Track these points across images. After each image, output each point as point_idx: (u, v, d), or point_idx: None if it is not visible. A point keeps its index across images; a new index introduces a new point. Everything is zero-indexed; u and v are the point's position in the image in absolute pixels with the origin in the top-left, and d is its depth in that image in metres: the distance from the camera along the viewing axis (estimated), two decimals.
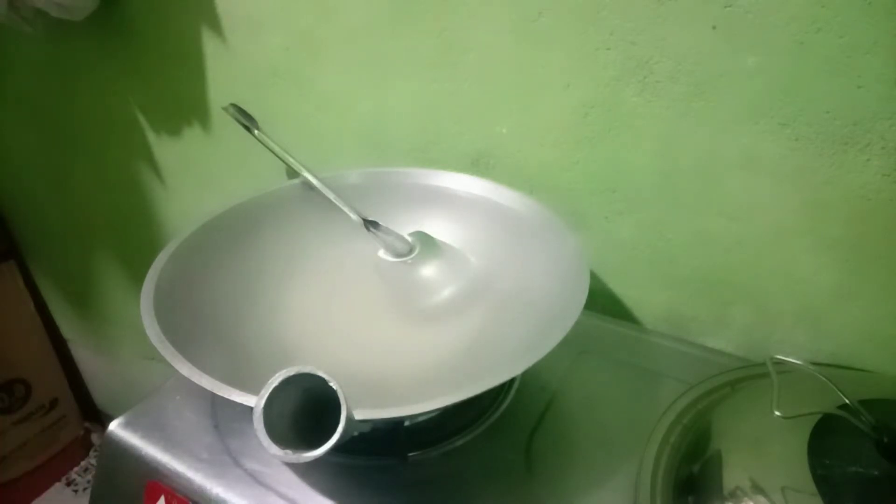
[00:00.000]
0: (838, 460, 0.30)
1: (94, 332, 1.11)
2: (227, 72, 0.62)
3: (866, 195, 0.39)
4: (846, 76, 0.37)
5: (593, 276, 0.38)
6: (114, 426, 0.41)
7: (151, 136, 0.74)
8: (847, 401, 0.31)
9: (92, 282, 1.01)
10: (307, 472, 0.37)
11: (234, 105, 0.52)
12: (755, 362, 0.44)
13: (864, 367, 0.43)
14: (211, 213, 0.47)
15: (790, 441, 0.31)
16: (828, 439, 0.30)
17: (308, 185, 0.49)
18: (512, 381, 0.44)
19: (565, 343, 0.32)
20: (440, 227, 0.50)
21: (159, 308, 0.37)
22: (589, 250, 0.50)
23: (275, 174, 0.56)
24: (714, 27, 0.39)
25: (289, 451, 0.25)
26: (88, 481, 1.21)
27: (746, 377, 0.41)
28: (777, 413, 0.30)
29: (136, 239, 0.89)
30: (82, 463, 1.24)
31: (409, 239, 0.48)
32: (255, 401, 0.26)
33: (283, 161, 0.50)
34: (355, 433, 0.28)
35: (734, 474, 0.32)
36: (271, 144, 0.50)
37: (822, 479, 0.29)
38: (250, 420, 0.25)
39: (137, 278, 0.59)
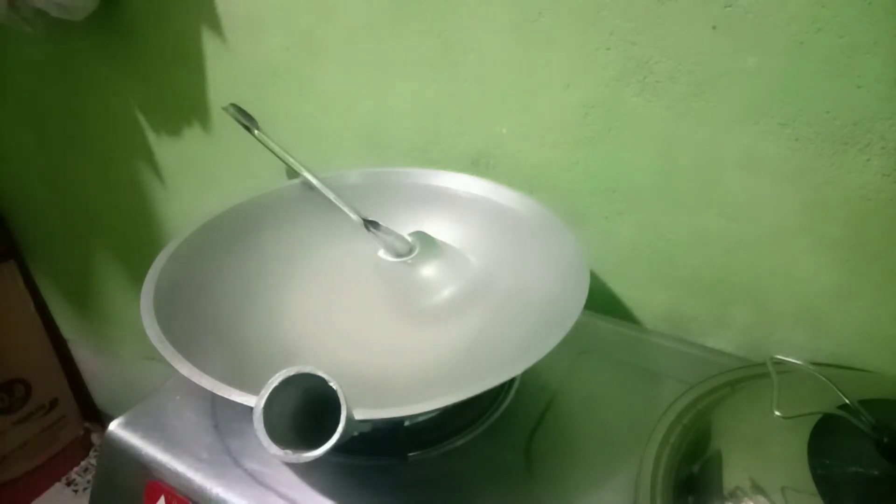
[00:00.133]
0: (838, 460, 0.30)
1: (94, 332, 1.11)
2: (227, 72, 0.62)
3: (866, 195, 0.39)
4: (846, 76, 0.37)
5: (593, 276, 0.38)
6: (114, 426, 0.41)
7: (151, 136, 0.74)
8: (847, 401, 0.31)
9: (92, 282, 1.01)
10: (307, 472, 0.37)
11: (234, 105, 0.52)
12: (755, 362, 0.44)
13: (864, 367, 0.43)
14: (211, 213, 0.47)
15: (790, 441, 0.31)
16: (828, 439, 0.30)
17: (308, 185, 0.49)
18: (512, 381, 0.44)
19: (565, 343, 0.32)
20: (440, 227, 0.50)
21: (159, 308, 0.37)
22: (589, 250, 0.50)
23: (275, 174, 0.56)
24: (714, 27, 0.39)
25: (289, 451, 0.25)
26: (88, 481, 1.21)
27: (746, 377, 0.41)
28: (777, 413, 0.30)
29: (136, 239, 0.89)
30: (82, 463, 1.24)
31: (409, 239, 0.48)
32: (255, 401, 0.26)
33: (283, 161, 0.50)
34: (355, 433, 0.28)
35: (734, 474, 0.32)
36: (271, 144, 0.50)
37: (822, 479, 0.29)
38: (250, 420, 0.25)
39: (137, 278, 0.59)
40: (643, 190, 0.47)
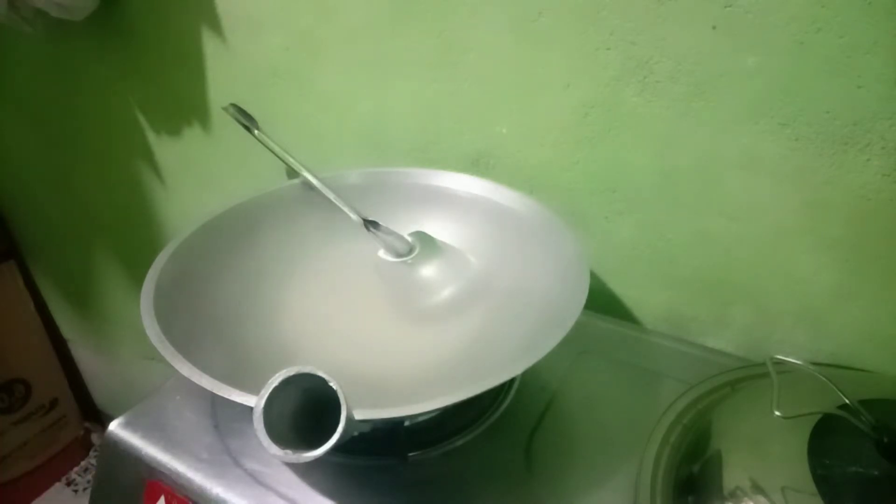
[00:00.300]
0: (838, 460, 0.30)
1: (94, 332, 1.11)
2: (227, 72, 0.62)
3: (866, 195, 0.39)
4: (846, 76, 0.37)
5: (593, 276, 0.38)
6: (114, 426, 0.41)
7: (151, 136, 0.74)
8: (847, 401, 0.31)
9: (92, 282, 1.01)
10: (307, 472, 0.37)
11: (234, 105, 0.52)
12: (755, 362, 0.44)
13: (864, 367, 0.43)
14: (211, 213, 0.47)
15: (790, 441, 0.31)
16: (828, 439, 0.30)
17: (308, 185, 0.49)
18: (512, 381, 0.44)
19: (565, 343, 0.32)
20: (440, 227, 0.50)
21: (159, 308, 0.37)
22: (589, 250, 0.50)
23: (275, 174, 0.56)
24: (714, 27, 0.39)
25: (289, 451, 0.25)
26: (88, 481, 1.21)
27: (746, 377, 0.41)
28: (777, 413, 0.30)
29: (136, 239, 0.89)
30: (82, 463, 1.24)
31: (409, 239, 0.48)
32: (255, 401, 0.26)
33: (283, 161, 0.50)
34: (355, 433, 0.28)
35: (734, 474, 0.32)
36: (271, 144, 0.50)
37: (822, 479, 0.29)
38: (250, 420, 0.25)
39: (137, 278, 0.59)
40: (643, 190, 0.47)
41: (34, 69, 0.79)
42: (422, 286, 0.46)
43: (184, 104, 0.67)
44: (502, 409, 0.42)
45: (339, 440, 0.25)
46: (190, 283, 0.42)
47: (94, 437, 1.27)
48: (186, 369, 0.32)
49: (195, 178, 0.74)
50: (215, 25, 0.60)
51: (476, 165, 0.53)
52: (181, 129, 0.70)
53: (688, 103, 0.42)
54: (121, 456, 0.40)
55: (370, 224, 0.47)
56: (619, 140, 0.46)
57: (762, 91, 0.39)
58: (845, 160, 0.39)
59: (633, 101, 0.44)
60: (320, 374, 0.26)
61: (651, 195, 0.47)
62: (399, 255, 0.47)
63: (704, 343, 0.49)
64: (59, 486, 1.20)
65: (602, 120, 0.46)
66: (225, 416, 0.41)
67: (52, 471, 1.20)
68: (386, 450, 0.39)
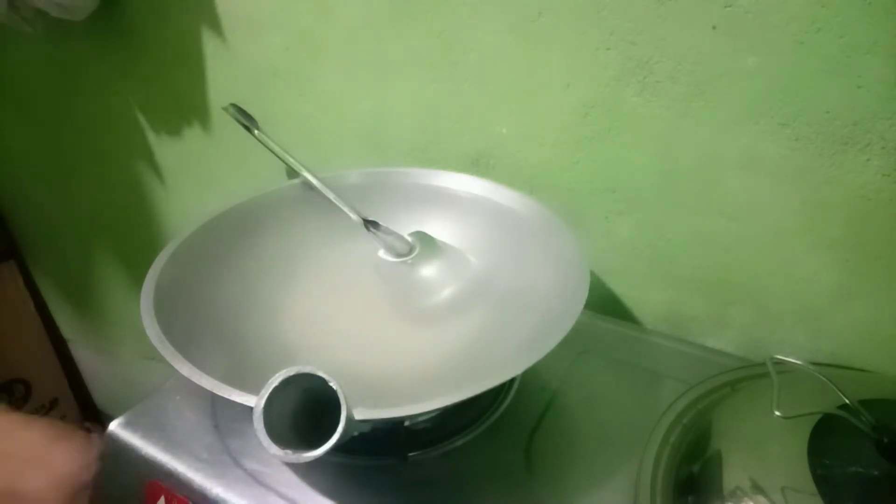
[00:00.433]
0: (838, 460, 0.30)
1: (94, 332, 1.11)
2: (227, 72, 0.62)
3: (866, 195, 0.39)
4: (846, 76, 0.37)
5: (593, 276, 0.38)
6: (114, 426, 0.41)
7: (151, 136, 0.74)
8: (847, 401, 0.31)
9: (92, 282, 1.01)
10: (307, 472, 0.37)
11: (234, 105, 0.52)
12: (755, 362, 0.44)
13: (864, 367, 0.43)
14: (211, 213, 0.47)
15: (790, 441, 0.31)
16: (828, 439, 0.30)
17: (308, 185, 0.49)
18: (512, 381, 0.44)
19: (565, 343, 0.32)
20: (440, 227, 0.50)
21: (159, 308, 0.37)
22: (589, 250, 0.50)
23: (275, 174, 0.56)
24: (714, 27, 0.39)
25: (289, 451, 0.25)
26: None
27: (746, 377, 0.41)
28: (777, 413, 0.30)
29: (136, 239, 0.89)
30: None
31: (409, 239, 0.48)
32: (255, 401, 0.26)
33: (283, 161, 0.50)
34: (355, 433, 0.28)
35: (734, 474, 0.32)
36: (271, 144, 0.50)
37: (822, 479, 0.29)
38: (250, 420, 0.25)
39: (137, 278, 0.59)
40: (643, 190, 0.47)
41: (34, 69, 0.79)
42: (422, 286, 0.46)
43: (184, 104, 0.67)
44: (502, 409, 0.42)
45: (339, 440, 0.25)
46: (190, 283, 0.41)
47: (95, 437, 1.27)
48: (186, 369, 0.32)
49: (195, 178, 0.74)
50: (215, 25, 0.60)
51: (476, 165, 0.53)
52: (181, 129, 0.70)
53: (688, 103, 0.42)
54: (121, 456, 0.40)
55: (370, 224, 0.47)
56: (619, 140, 0.46)
57: (762, 91, 0.39)
58: (845, 160, 0.39)
59: (633, 101, 0.44)
60: (320, 374, 0.26)
61: (651, 195, 0.46)
62: (399, 255, 0.47)
63: (704, 343, 0.49)
64: None
65: (602, 120, 0.46)
66: (225, 416, 0.41)
67: None
68: (386, 450, 0.39)
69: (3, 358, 1.07)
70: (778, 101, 0.39)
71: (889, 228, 0.39)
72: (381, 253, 0.48)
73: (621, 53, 0.43)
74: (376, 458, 0.38)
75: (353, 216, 0.47)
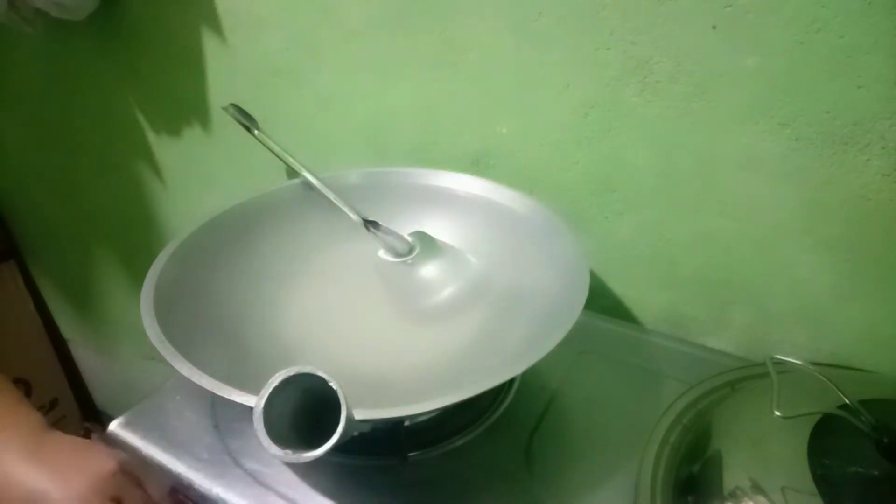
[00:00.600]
0: (838, 460, 0.30)
1: (94, 332, 1.11)
2: (227, 72, 0.62)
3: (866, 195, 0.39)
4: (846, 76, 0.37)
5: (593, 276, 0.38)
6: (114, 426, 0.41)
7: (151, 136, 0.74)
8: (847, 401, 0.31)
9: (92, 282, 1.01)
10: (307, 472, 0.37)
11: (234, 105, 0.52)
12: (755, 362, 0.44)
13: (864, 367, 0.43)
14: (211, 213, 0.47)
15: (790, 441, 0.31)
16: (828, 439, 0.30)
17: (308, 185, 0.49)
18: (512, 381, 0.44)
19: (565, 343, 0.32)
20: (440, 227, 0.50)
21: (159, 308, 0.37)
22: (589, 250, 0.50)
23: (275, 174, 0.56)
24: (714, 27, 0.39)
25: (289, 451, 0.25)
26: None
27: (746, 377, 0.41)
28: (777, 413, 0.30)
29: (136, 239, 0.89)
30: None
31: (409, 239, 0.48)
32: (255, 401, 0.26)
33: (283, 161, 0.50)
34: (355, 433, 0.28)
35: (734, 474, 0.32)
36: (271, 144, 0.50)
37: (822, 479, 0.29)
38: (250, 420, 0.25)
39: (137, 278, 0.59)
40: (643, 190, 0.47)
41: (34, 69, 0.79)
42: (422, 286, 0.46)
43: (184, 104, 0.67)
44: (502, 409, 0.42)
45: (339, 440, 0.25)
46: (190, 283, 0.41)
47: (94, 437, 1.27)
48: (186, 369, 0.32)
49: (195, 178, 0.74)
50: (215, 25, 0.60)
51: (476, 165, 0.53)
52: (181, 129, 0.70)
53: (688, 103, 0.42)
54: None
55: (370, 224, 0.47)
56: (619, 140, 0.46)
57: (762, 91, 0.39)
58: (845, 160, 0.39)
59: (633, 101, 0.44)
60: (320, 374, 0.26)
61: (651, 195, 0.46)
62: (399, 255, 0.47)
63: (704, 343, 0.49)
64: None
65: (602, 120, 0.46)
66: (225, 416, 0.41)
67: None
68: (386, 450, 0.39)
69: (3, 358, 1.06)
70: (778, 101, 0.39)
71: (889, 228, 0.39)
72: (381, 253, 0.48)
73: (621, 53, 0.43)
74: (376, 458, 0.38)
75: (353, 216, 0.47)
